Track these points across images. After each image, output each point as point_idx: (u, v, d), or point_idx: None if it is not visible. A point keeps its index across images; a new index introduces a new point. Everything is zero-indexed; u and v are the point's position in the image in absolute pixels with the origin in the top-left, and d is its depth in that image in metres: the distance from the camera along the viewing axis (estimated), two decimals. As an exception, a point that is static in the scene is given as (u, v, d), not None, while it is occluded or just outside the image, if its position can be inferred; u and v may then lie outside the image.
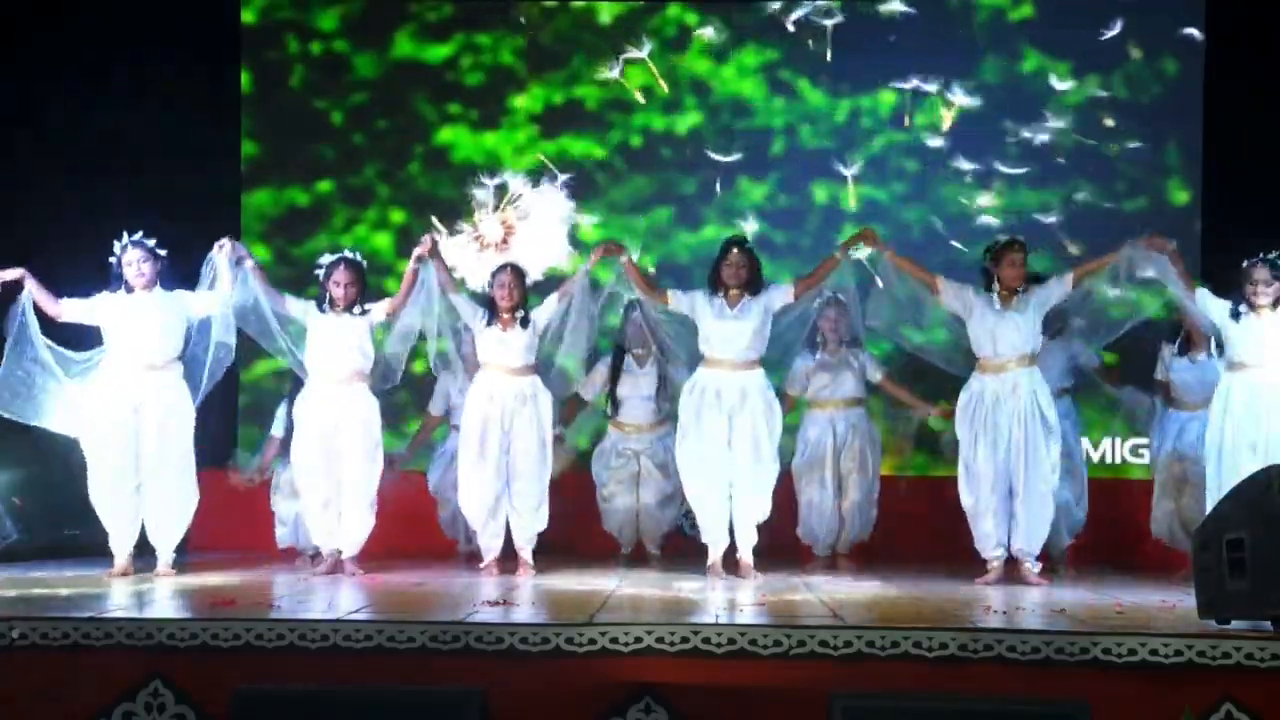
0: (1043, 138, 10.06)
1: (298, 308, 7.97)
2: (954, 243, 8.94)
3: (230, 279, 7.80)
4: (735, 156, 10.04)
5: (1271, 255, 7.60)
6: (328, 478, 7.85)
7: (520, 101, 10.29)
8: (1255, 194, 9.24)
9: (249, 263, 7.90)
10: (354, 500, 7.85)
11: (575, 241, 9.13)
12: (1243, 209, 9.26)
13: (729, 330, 7.83)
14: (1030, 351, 7.72)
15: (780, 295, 7.92)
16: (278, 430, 8.56)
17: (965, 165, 10.08)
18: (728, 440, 7.81)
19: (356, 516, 7.86)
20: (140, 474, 7.70)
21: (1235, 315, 7.59)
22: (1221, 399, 7.63)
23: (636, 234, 9.29)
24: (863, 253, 8.12)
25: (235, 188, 10.21)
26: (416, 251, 7.92)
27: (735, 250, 7.91)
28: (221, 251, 7.81)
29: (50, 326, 7.74)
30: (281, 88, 10.36)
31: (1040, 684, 5.20)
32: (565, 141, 10.22)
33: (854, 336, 8.57)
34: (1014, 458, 7.65)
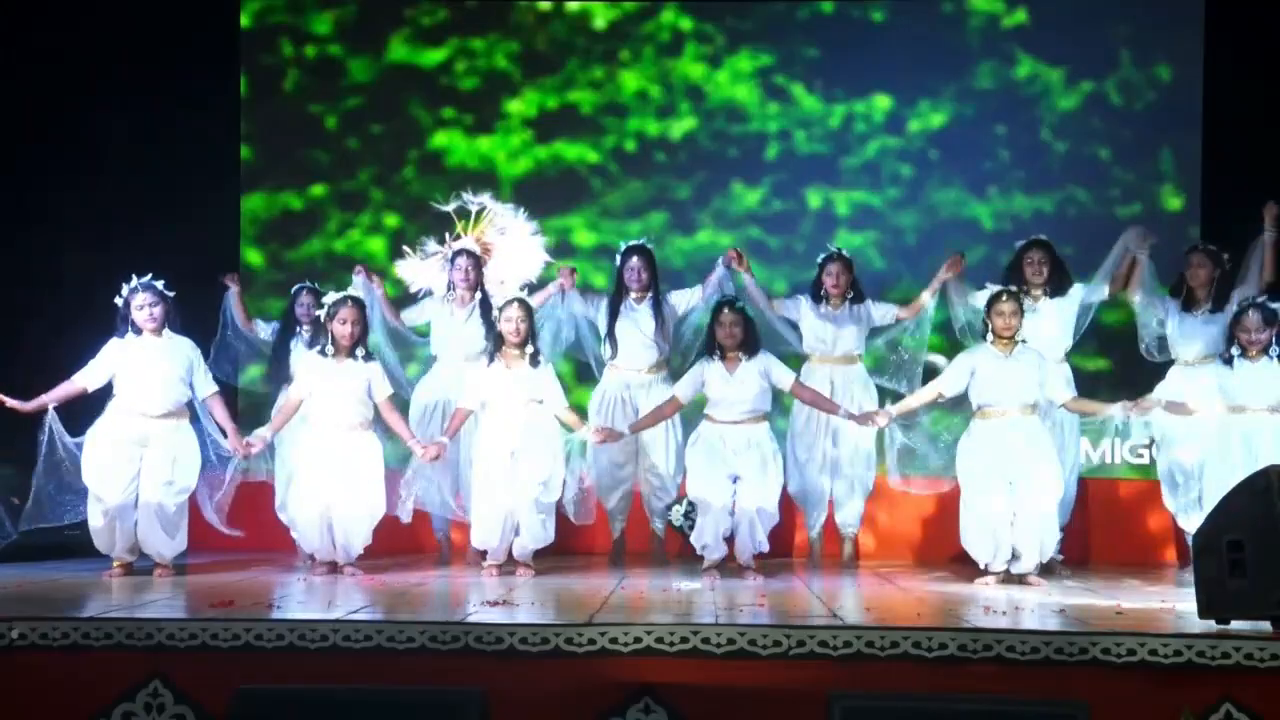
0: (1036, 143, 10.09)
1: (302, 389, 7.99)
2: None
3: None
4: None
5: (1261, 299, 7.73)
6: (324, 515, 7.85)
7: (515, 106, 10.30)
8: (1253, 198, 9.25)
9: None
10: (350, 531, 7.87)
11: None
12: (1240, 213, 9.28)
13: (731, 395, 7.92)
14: (1033, 402, 7.77)
15: (779, 377, 8.00)
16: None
17: (959, 171, 10.10)
18: (734, 475, 7.89)
19: (354, 542, 7.89)
20: (138, 506, 7.74)
21: (1228, 361, 7.74)
22: (1220, 440, 7.76)
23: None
24: (881, 420, 8.10)
25: (234, 192, 10.19)
26: (420, 451, 7.92)
27: (727, 310, 7.96)
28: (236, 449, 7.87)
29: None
30: (275, 92, 10.35)
31: (1040, 684, 5.21)
32: (559, 146, 10.23)
33: (857, 292, 8.70)
34: (1016, 484, 7.63)
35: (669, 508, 8.78)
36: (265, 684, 4.84)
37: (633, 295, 8.68)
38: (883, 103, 10.17)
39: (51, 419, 7.68)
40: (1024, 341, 7.85)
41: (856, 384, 8.70)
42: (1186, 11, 9.95)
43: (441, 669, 5.30)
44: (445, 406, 8.45)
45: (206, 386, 7.93)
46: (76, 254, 8.14)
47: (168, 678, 5.34)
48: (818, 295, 8.74)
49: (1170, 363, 8.45)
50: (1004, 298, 7.84)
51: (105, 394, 7.83)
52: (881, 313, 8.78)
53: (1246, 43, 9.65)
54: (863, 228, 10.04)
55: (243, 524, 8.57)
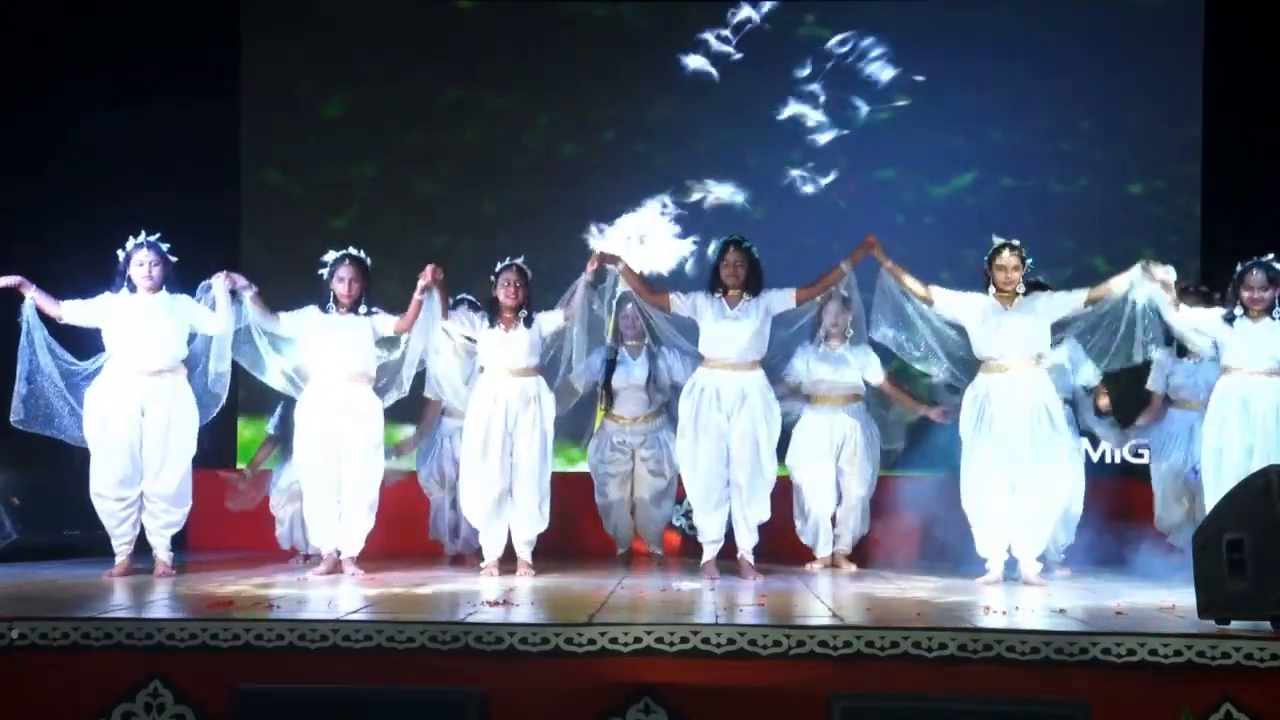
0: (1036, 143, 10.10)
1: (292, 323, 7.91)
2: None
3: (227, 307, 7.78)
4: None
5: (1267, 258, 7.56)
6: (328, 477, 7.85)
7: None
8: (1253, 198, 9.26)
9: (249, 293, 7.85)
10: (354, 500, 7.85)
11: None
12: (1241, 212, 9.30)
13: (728, 331, 7.79)
14: (1036, 354, 7.67)
15: (781, 300, 7.87)
16: (273, 429, 8.60)
17: (957, 170, 10.11)
18: (727, 441, 7.78)
19: (356, 517, 7.86)
20: (142, 476, 7.71)
21: (1229, 319, 7.57)
22: (1218, 403, 7.60)
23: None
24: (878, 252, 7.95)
25: (234, 193, 10.21)
26: (421, 283, 7.81)
27: (732, 249, 7.86)
28: (221, 280, 7.78)
29: (52, 329, 7.72)
30: (276, 92, 10.35)
31: (1040, 684, 5.20)
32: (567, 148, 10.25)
33: (857, 333, 8.47)
34: (1018, 458, 7.57)
35: (671, 513, 8.84)
36: (265, 684, 4.85)
37: (628, 346, 8.66)
38: (881, 113, 10.22)
39: (29, 310, 7.58)
40: (1024, 293, 7.72)
41: (859, 424, 8.59)
42: (1187, 10, 9.96)
43: (441, 669, 5.29)
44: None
45: (211, 321, 7.79)
46: (72, 257, 8.14)
47: (168, 678, 5.33)
48: (815, 334, 8.52)
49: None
50: (1005, 250, 7.72)
51: (94, 341, 7.76)
52: (874, 372, 8.56)
53: (1247, 41, 9.65)
54: (864, 228, 10.01)
55: (243, 524, 8.62)
